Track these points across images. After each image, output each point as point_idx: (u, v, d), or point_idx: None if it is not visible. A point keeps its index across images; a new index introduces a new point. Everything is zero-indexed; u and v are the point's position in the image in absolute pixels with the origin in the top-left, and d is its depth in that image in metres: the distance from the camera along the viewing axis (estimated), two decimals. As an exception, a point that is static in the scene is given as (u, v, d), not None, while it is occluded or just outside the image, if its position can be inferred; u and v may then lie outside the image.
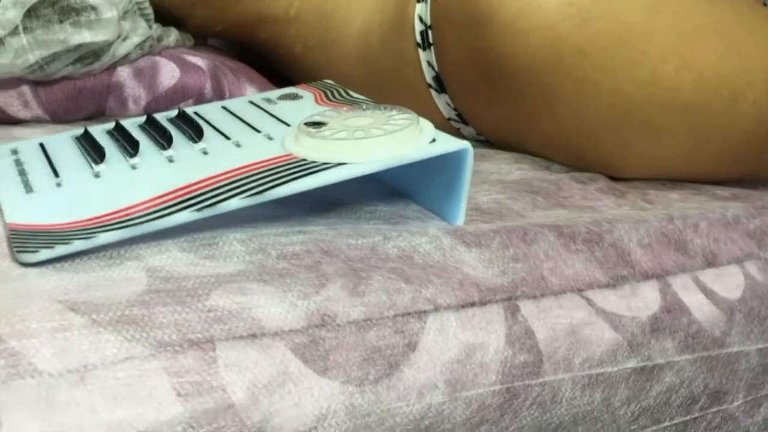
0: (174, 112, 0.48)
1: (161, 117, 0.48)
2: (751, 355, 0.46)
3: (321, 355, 0.32)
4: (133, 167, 0.41)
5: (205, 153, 0.42)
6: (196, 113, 0.49)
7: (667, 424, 0.43)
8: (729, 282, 0.46)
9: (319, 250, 0.37)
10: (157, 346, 0.30)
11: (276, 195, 0.36)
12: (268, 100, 0.50)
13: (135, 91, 0.54)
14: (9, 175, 0.41)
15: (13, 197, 0.38)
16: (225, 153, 0.42)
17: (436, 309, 0.36)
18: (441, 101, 0.56)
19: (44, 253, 0.32)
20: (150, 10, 0.56)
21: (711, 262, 0.46)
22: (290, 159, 0.40)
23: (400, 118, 0.42)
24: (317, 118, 0.43)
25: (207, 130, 0.45)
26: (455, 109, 0.55)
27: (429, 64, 0.54)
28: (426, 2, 0.53)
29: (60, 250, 0.33)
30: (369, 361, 0.33)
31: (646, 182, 0.54)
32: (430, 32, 0.53)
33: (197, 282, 0.33)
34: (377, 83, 0.59)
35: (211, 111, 0.49)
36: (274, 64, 0.67)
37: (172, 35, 0.58)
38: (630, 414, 0.41)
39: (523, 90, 0.50)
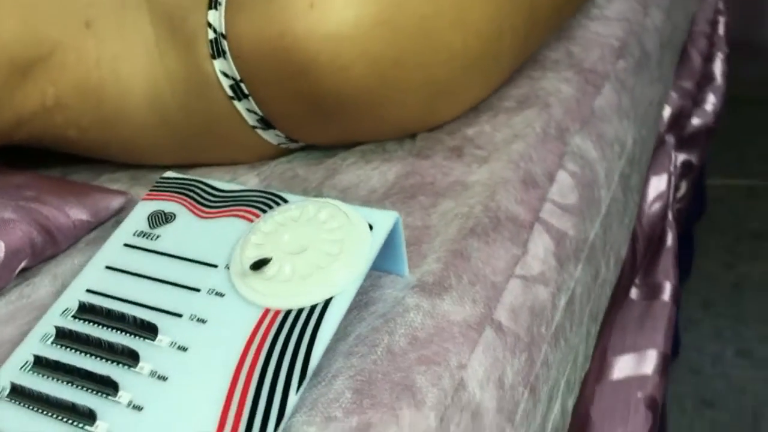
0: (74, 306, 0.44)
1: (63, 321, 0.44)
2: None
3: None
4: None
5: (163, 379, 0.39)
6: (89, 291, 0.45)
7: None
8: (565, 189, 0.58)
9: (363, 385, 0.41)
10: None
11: (313, 365, 0.39)
12: (146, 235, 0.48)
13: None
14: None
15: None
16: (185, 372, 0.39)
17: (464, 368, 0.43)
18: (270, 135, 0.56)
19: None
20: None
21: (551, 179, 0.57)
22: (278, 314, 0.41)
23: (329, 219, 0.44)
24: (254, 255, 0.43)
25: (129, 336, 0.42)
26: (286, 137, 0.57)
27: (249, 110, 0.54)
28: (225, 58, 0.51)
29: None
30: None
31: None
32: (242, 84, 0.52)
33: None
34: (190, 143, 0.56)
35: (106, 282, 0.45)
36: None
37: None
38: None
39: (353, 113, 0.53)
